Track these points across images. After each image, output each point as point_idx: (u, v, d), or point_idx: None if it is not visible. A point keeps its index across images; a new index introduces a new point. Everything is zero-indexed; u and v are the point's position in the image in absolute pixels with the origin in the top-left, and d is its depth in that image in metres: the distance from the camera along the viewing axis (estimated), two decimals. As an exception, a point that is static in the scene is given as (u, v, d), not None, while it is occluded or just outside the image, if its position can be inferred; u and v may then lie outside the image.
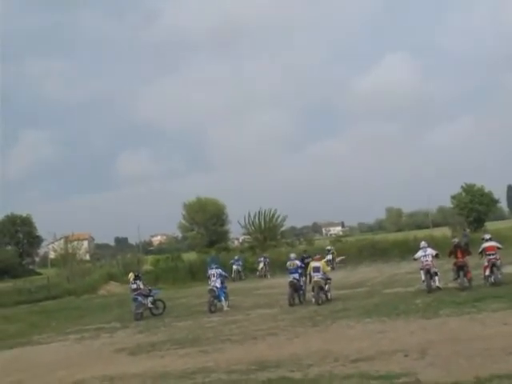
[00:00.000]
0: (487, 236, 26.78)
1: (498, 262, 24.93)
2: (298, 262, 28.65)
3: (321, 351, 15.19)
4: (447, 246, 27.91)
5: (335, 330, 18.88)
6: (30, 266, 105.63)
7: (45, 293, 49.85)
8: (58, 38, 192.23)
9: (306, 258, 34.20)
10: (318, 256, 30.01)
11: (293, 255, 29.71)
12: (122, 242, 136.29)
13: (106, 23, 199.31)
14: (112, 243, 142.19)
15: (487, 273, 24.94)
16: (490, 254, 25.04)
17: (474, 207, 68.47)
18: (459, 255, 25.33)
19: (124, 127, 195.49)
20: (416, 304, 22.09)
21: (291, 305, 26.65)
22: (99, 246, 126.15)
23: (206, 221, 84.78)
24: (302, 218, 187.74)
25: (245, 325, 22.31)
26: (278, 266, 47.69)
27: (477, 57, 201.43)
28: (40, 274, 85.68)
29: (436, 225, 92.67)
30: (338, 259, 50.47)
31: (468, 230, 58.12)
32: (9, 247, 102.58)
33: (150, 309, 29.19)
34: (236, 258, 52.58)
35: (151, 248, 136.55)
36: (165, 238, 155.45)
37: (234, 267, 50.24)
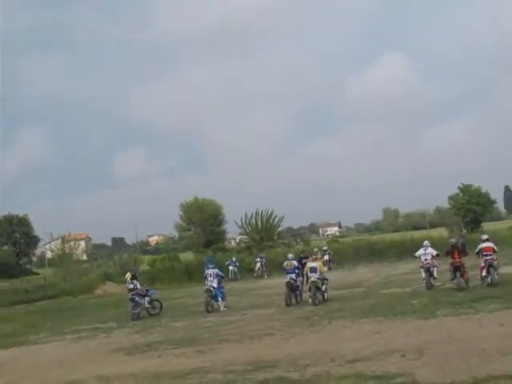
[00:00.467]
0: (484, 237, 26.86)
1: (495, 263, 25.00)
2: (295, 262, 28.65)
3: (317, 351, 15.18)
4: (444, 247, 28.06)
5: (332, 330, 18.88)
6: (27, 266, 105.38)
7: (42, 293, 49.86)
8: (56, 37, 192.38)
9: (304, 258, 34.22)
10: (314, 256, 30.12)
11: (290, 255, 29.72)
12: (118, 242, 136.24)
13: (103, 22, 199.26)
14: (109, 243, 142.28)
15: (484, 273, 25.00)
16: (486, 255, 25.10)
17: (471, 208, 68.55)
18: (456, 256, 25.39)
19: (121, 127, 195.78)
20: (413, 304, 22.12)
21: (288, 305, 26.67)
22: (96, 246, 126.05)
23: (203, 221, 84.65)
24: (298, 218, 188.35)
25: (241, 325, 22.31)
26: (274, 267, 47.79)
27: (475, 58, 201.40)
28: (37, 273, 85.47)
29: (433, 225, 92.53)
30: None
31: (465, 231, 58.27)
32: (6, 247, 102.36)
33: (147, 309, 29.18)
34: (233, 259, 52.61)
35: (148, 248, 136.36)
36: (162, 238, 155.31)
37: (231, 268, 50.29)
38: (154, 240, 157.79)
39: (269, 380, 12.56)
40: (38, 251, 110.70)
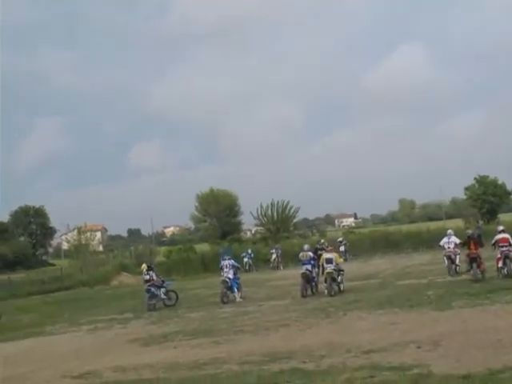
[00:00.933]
0: (500, 228, 26.76)
1: (511, 254, 24.85)
2: (310, 254, 28.59)
3: (333, 342, 15.17)
4: (461, 238, 28.15)
5: (347, 321, 18.85)
6: (44, 257, 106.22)
7: (58, 284, 50.29)
8: (71, 28, 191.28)
9: (320, 249, 34.17)
10: (330, 247, 30.06)
11: (306, 246, 29.70)
12: (134, 234, 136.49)
13: (119, 13, 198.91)
14: (125, 234, 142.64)
15: (500, 264, 24.88)
16: (502, 246, 24.98)
17: (487, 199, 68.29)
18: (472, 247, 25.30)
19: (137, 117, 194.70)
20: (428, 296, 22.03)
21: (303, 296, 26.64)
22: (112, 238, 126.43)
23: (219, 212, 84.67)
24: (314, 209, 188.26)
25: (257, 316, 22.32)
26: (290, 258, 47.71)
27: (491, 47, 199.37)
28: (53, 265, 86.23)
29: (449, 216, 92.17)
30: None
31: (481, 222, 57.99)
32: (22, 238, 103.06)
33: (163, 300, 29.25)
34: (249, 251, 52.61)
35: (164, 239, 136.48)
36: (177, 229, 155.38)
37: (245, 260, 50.30)
38: (169, 231, 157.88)
39: (285, 371, 12.56)
40: (54, 242, 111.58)
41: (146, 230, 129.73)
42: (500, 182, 70.21)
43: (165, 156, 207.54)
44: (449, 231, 29.97)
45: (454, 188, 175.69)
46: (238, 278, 29.24)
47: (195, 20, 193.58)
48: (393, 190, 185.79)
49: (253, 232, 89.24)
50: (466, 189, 72.11)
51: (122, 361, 16.11)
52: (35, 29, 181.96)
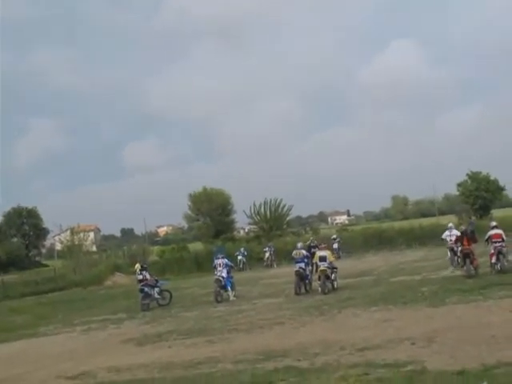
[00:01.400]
0: (493, 223, 26.83)
1: (505, 250, 24.91)
2: (304, 252, 28.63)
3: (327, 340, 15.19)
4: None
5: (342, 318, 18.86)
6: (37, 258, 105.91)
7: (51, 284, 50.15)
8: (69, 28, 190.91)
9: (313, 246, 34.16)
10: (323, 245, 30.09)
11: (299, 244, 29.75)
12: (127, 233, 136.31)
13: (117, 12, 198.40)
14: (118, 234, 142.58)
15: (493, 260, 24.94)
16: (496, 242, 25.04)
17: (480, 194, 68.28)
18: (465, 243, 25.38)
19: (130, 116, 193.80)
20: (422, 292, 22.06)
21: (297, 294, 26.68)
22: (105, 238, 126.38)
23: (212, 211, 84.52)
24: (307, 207, 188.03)
25: (251, 314, 22.34)
26: (283, 256, 47.74)
27: (490, 45, 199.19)
28: (46, 265, 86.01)
29: (442, 213, 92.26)
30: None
31: (474, 218, 58.09)
32: (15, 239, 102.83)
33: (157, 299, 29.25)
34: (242, 249, 52.57)
35: (157, 239, 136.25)
36: (171, 228, 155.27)
37: (239, 258, 50.27)
38: (163, 231, 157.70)
39: (279, 369, 12.56)
40: (47, 243, 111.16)
41: (139, 230, 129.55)
42: (492, 177, 70.23)
43: (158, 155, 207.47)
44: (450, 224, 31.09)
45: (446, 184, 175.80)
46: (232, 277, 29.26)
47: (194, 19, 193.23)
48: (386, 186, 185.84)
49: (246, 230, 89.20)
50: (459, 185, 72.11)
51: (117, 361, 16.09)
52: (33, 28, 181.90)
